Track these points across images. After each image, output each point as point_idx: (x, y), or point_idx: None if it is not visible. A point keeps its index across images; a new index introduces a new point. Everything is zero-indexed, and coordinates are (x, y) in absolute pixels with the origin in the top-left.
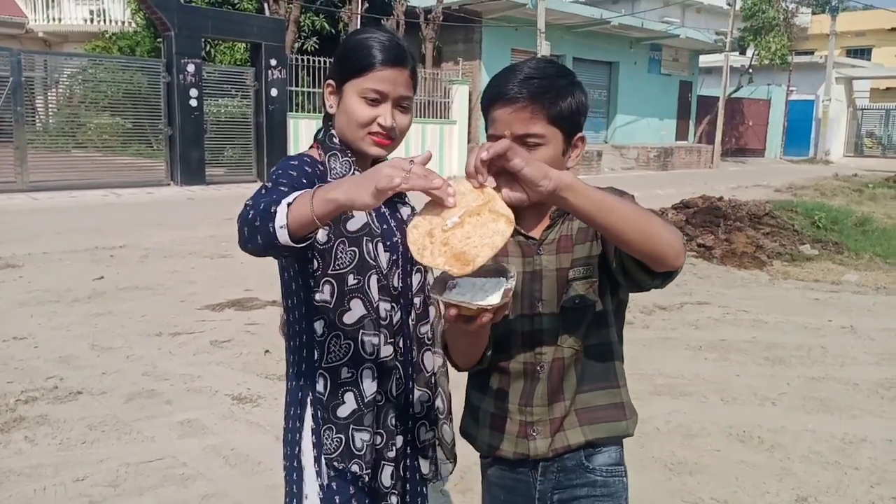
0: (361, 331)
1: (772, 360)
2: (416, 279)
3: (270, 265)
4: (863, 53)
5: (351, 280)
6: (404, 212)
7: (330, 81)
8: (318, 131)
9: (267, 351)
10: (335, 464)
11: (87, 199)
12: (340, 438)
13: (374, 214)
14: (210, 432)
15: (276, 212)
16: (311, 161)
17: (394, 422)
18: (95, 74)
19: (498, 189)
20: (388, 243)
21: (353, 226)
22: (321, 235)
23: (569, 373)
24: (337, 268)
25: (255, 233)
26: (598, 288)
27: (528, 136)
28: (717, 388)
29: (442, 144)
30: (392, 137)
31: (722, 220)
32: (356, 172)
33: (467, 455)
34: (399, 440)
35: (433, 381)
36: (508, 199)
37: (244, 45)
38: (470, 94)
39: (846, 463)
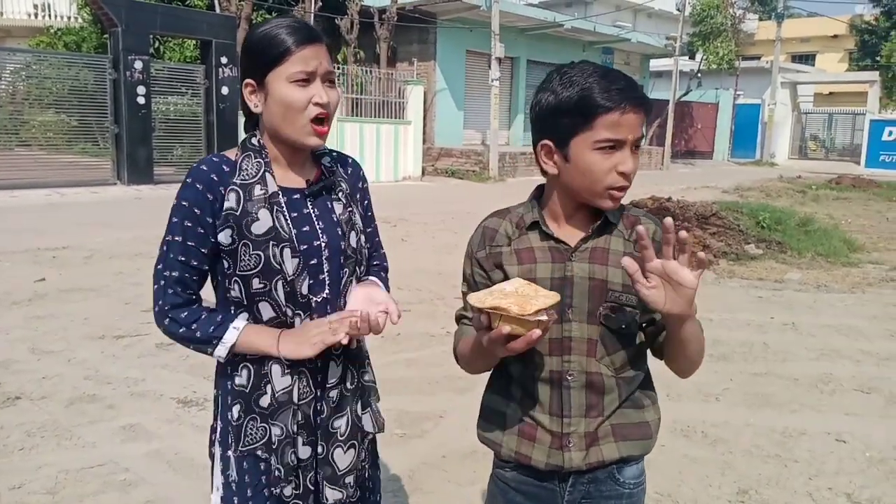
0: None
1: (716, 357)
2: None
3: None
4: (807, 59)
5: (256, 283)
6: (337, 209)
7: (248, 81)
8: (244, 139)
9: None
10: (258, 453)
11: (30, 198)
12: (264, 428)
13: (286, 215)
14: (154, 436)
15: (215, 347)
16: (218, 163)
17: (295, 428)
18: (40, 70)
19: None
20: (303, 248)
21: (257, 229)
22: (224, 238)
23: (610, 390)
24: (242, 269)
25: (183, 344)
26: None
27: (638, 140)
28: (662, 384)
29: (397, 144)
30: (328, 118)
31: None
32: (267, 175)
33: (414, 454)
34: (305, 448)
35: (341, 399)
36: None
37: (194, 42)
38: (425, 95)
39: (786, 456)
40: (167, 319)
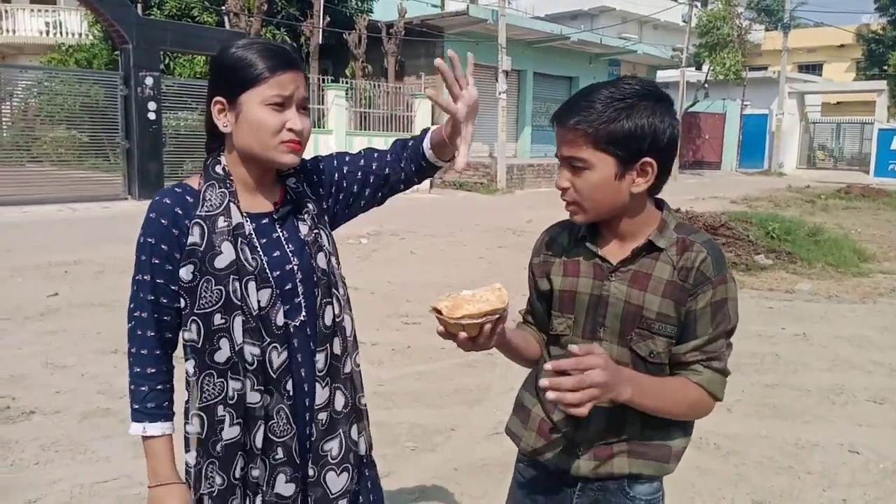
0: (229, 372)
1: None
2: (327, 313)
3: None
4: (814, 69)
5: (218, 319)
6: (303, 229)
7: (218, 99)
8: (206, 159)
9: None
10: (216, 500)
11: (42, 214)
12: (223, 476)
13: (253, 245)
14: None
15: (131, 419)
16: (181, 194)
17: (255, 473)
18: (51, 87)
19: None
20: (276, 274)
21: (220, 263)
22: (185, 274)
23: (634, 416)
24: (202, 307)
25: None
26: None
27: (572, 159)
28: None
29: None
30: (302, 143)
31: None
32: (231, 205)
33: (426, 468)
34: (279, 489)
35: (332, 422)
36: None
37: (204, 58)
38: (433, 108)
39: (799, 468)
40: (129, 362)
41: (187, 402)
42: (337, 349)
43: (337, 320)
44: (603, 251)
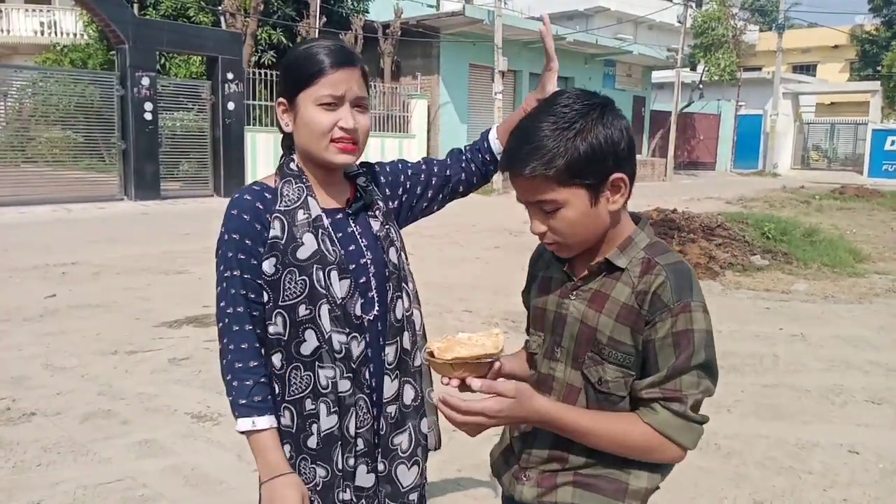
0: (317, 363)
1: (726, 369)
2: (398, 307)
3: None
4: (808, 69)
5: (303, 311)
6: (375, 226)
7: (281, 100)
8: (281, 157)
9: None
10: (322, 493)
11: (37, 214)
12: (313, 469)
13: (332, 237)
14: (169, 452)
15: (235, 416)
16: (260, 191)
17: (352, 462)
18: (46, 87)
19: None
20: (352, 267)
21: (302, 254)
22: (268, 267)
23: (579, 445)
24: (286, 299)
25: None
26: (631, 385)
27: (541, 203)
28: None
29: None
30: (356, 141)
31: (676, 232)
32: (309, 199)
33: (430, 469)
34: (360, 480)
35: (401, 415)
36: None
37: (200, 58)
38: (429, 109)
39: (800, 468)
40: (226, 359)
41: (278, 395)
42: (406, 343)
43: (407, 314)
44: (571, 266)
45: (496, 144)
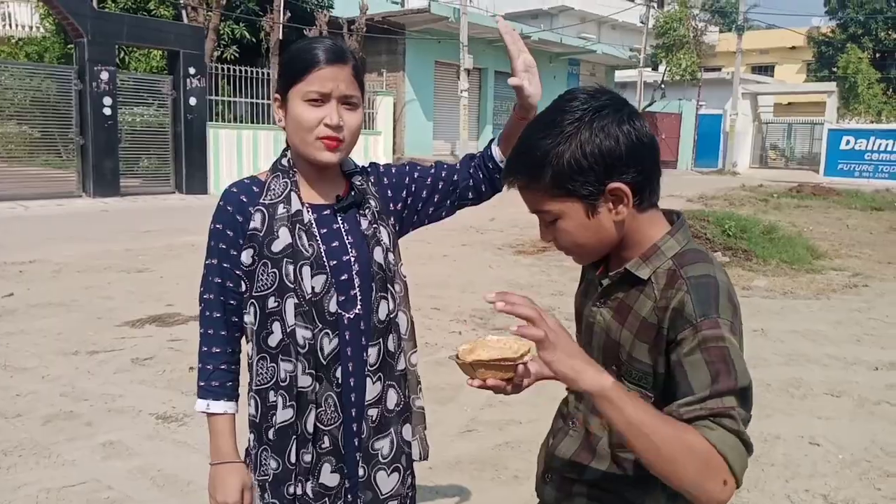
0: (280, 355)
1: None
2: (381, 308)
3: (192, 279)
4: (766, 70)
5: (272, 303)
6: (363, 224)
7: (276, 95)
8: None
9: (192, 368)
10: (272, 486)
11: None
12: (269, 460)
13: (312, 233)
14: (135, 453)
15: (197, 396)
16: (249, 184)
17: (308, 458)
18: (1, 81)
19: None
20: (332, 264)
21: (276, 247)
22: (245, 257)
23: (601, 458)
24: (259, 290)
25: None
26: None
27: (540, 213)
28: None
29: (367, 155)
30: (341, 138)
31: None
32: (292, 194)
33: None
34: (324, 478)
35: (383, 420)
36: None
37: (161, 52)
38: (395, 106)
39: (763, 459)
40: (199, 342)
41: (249, 383)
42: (391, 345)
43: (391, 316)
44: (604, 272)
45: (497, 152)
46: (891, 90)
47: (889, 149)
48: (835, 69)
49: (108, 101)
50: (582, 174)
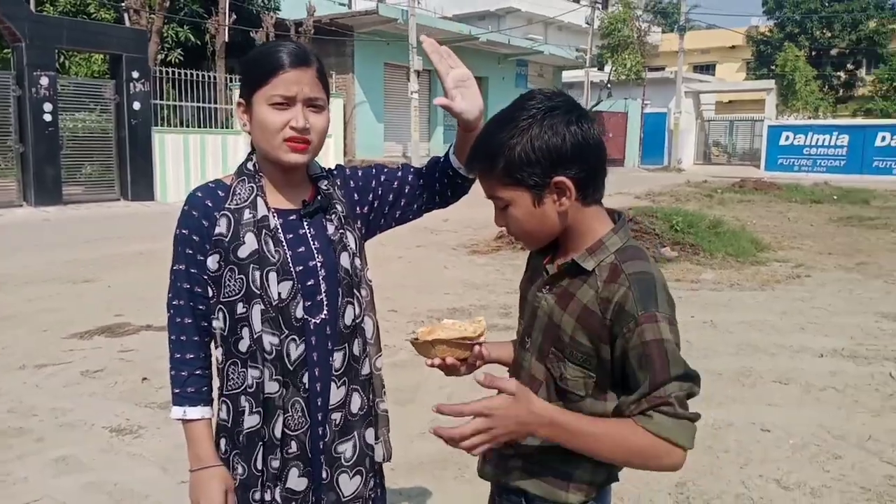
0: (249, 361)
1: None
2: (347, 313)
3: (142, 288)
4: (708, 69)
5: (240, 308)
6: (329, 229)
7: (239, 100)
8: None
9: (145, 378)
10: (238, 491)
11: None
12: (244, 466)
13: (278, 238)
14: (88, 468)
15: (172, 403)
16: (214, 189)
17: (276, 464)
18: None
19: None
20: (298, 269)
21: (242, 253)
22: (212, 263)
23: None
24: (227, 296)
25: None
26: (594, 388)
27: (493, 199)
28: None
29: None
30: (308, 140)
31: None
32: (258, 198)
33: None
34: (291, 483)
35: (347, 423)
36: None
37: (102, 56)
38: (344, 108)
39: (717, 447)
40: (169, 350)
41: (219, 388)
42: (356, 350)
43: (357, 321)
44: (550, 260)
45: (454, 160)
46: (826, 87)
47: (826, 143)
48: (773, 67)
49: (48, 106)
50: (530, 166)
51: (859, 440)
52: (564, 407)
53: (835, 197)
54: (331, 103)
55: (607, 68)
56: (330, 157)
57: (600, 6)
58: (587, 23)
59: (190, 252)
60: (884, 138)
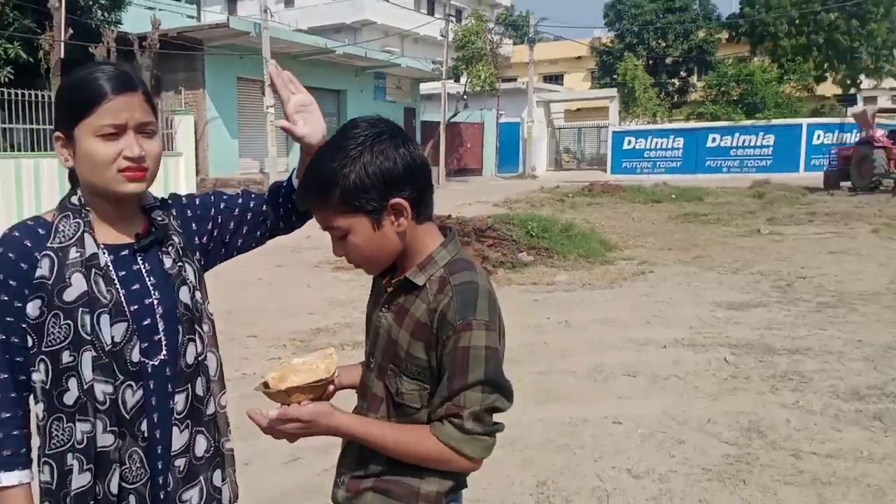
0: (77, 414)
1: (506, 361)
2: (189, 351)
3: None
4: (557, 79)
5: (66, 357)
6: (167, 263)
7: (57, 134)
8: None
9: None
10: None
11: None
12: None
13: (109, 277)
14: None
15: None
16: (33, 226)
17: None
18: None
19: None
20: (133, 308)
21: (69, 296)
22: (32, 310)
23: (379, 454)
24: (49, 344)
25: None
26: (429, 399)
27: (331, 230)
28: None
29: (167, 177)
30: (145, 167)
31: None
32: (86, 235)
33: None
34: None
35: (192, 469)
36: None
37: None
38: (196, 124)
39: (574, 444)
40: None
41: (40, 447)
42: (199, 390)
43: (199, 359)
44: (389, 280)
45: (296, 182)
46: (663, 93)
47: (664, 146)
48: (615, 76)
49: None
50: (366, 191)
51: (699, 424)
52: (400, 421)
53: (673, 196)
54: (180, 121)
55: (463, 80)
56: (181, 177)
57: (454, 19)
58: (442, 35)
59: (5, 299)
60: (714, 139)
